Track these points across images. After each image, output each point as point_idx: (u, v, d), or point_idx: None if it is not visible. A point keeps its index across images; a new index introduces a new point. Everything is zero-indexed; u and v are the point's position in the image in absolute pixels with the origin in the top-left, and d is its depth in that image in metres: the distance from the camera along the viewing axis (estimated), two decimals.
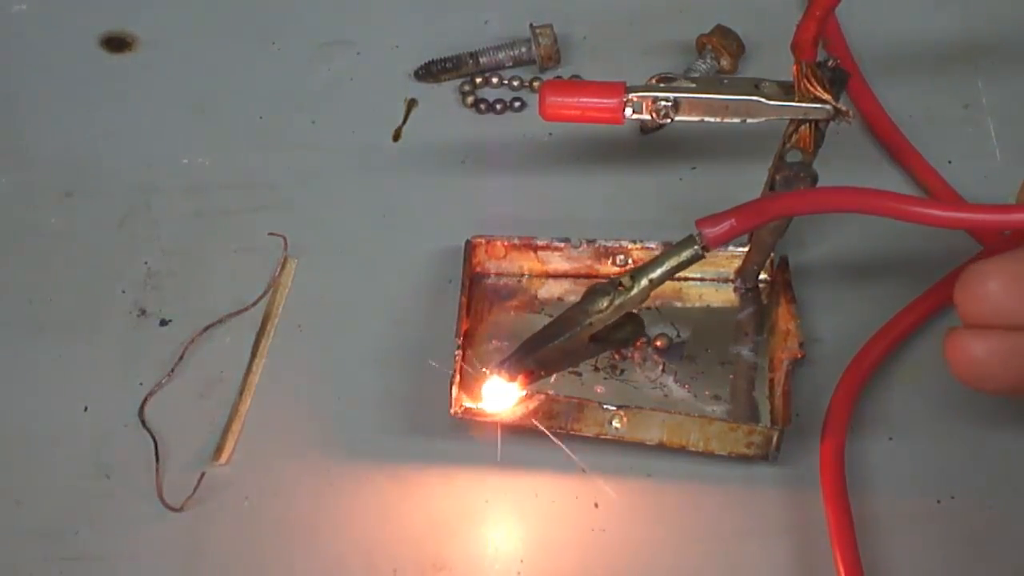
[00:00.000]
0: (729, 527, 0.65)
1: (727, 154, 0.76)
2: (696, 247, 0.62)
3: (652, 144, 0.77)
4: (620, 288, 0.63)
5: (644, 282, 0.63)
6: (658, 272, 0.63)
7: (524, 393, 0.64)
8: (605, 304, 0.63)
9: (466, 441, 0.67)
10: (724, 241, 0.62)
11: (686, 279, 0.71)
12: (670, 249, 0.63)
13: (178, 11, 0.84)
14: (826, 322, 0.70)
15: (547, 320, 0.65)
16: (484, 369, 0.65)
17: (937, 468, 0.66)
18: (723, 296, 0.72)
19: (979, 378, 0.58)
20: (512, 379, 0.64)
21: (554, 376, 0.67)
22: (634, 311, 0.65)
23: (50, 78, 0.81)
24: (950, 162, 0.75)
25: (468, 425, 0.66)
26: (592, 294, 0.64)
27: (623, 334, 0.67)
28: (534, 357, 0.64)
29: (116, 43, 0.82)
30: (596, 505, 0.65)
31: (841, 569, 0.62)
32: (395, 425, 0.67)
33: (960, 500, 0.65)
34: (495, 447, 0.66)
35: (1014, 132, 0.77)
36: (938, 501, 0.65)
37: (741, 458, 0.65)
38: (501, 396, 0.65)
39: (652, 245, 0.70)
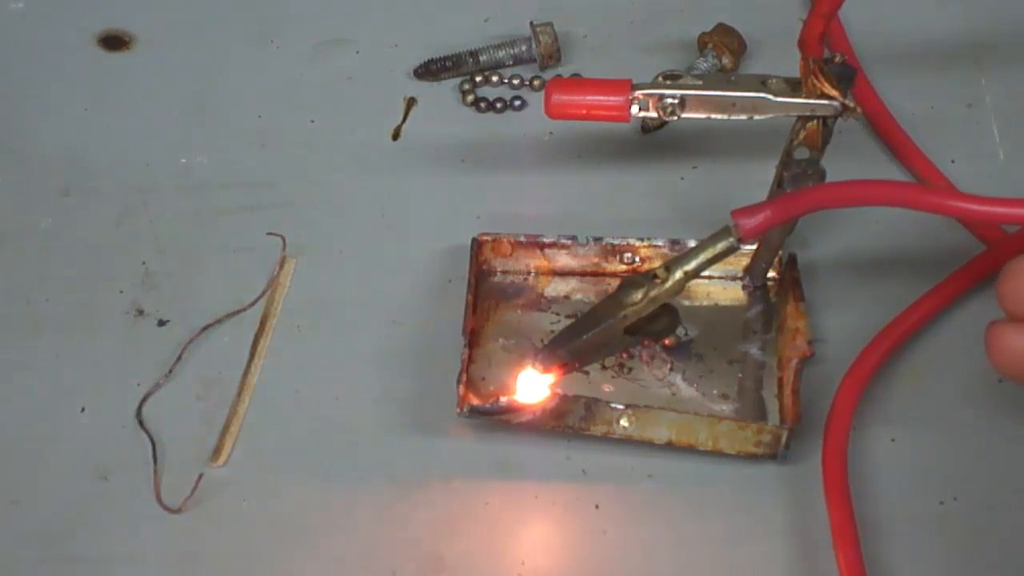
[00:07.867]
0: (729, 528, 0.65)
1: (726, 153, 0.76)
2: (731, 239, 0.62)
3: (652, 143, 0.77)
4: (655, 280, 0.63)
5: (679, 274, 0.63)
6: (693, 264, 0.63)
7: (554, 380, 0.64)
8: (639, 296, 0.63)
9: (466, 441, 0.67)
10: (760, 232, 0.61)
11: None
12: (704, 241, 0.63)
13: (176, 10, 0.83)
14: (829, 321, 0.70)
15: (553, 318, 0.65)
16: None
17: (940, 469, 0.66)
18: (731, 294, 0.71)
19: (1020, 371, 0.58)
20: (546, 371, 0.64)
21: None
22: (669, 303, 0.65)
23: (47, 77, 0.81)
24: (953, 161, 0.75)
25: (467, 425, 0.66)
26: (627, 286, 0.63)
27: (658, 326, 0.66)
28: (568, 349, 0.64)
29: (114, 42, 0.82)
30: (597, 507, 0.65)
31: (843, 569, 0.61)
32: (394, 425, 0.67)
33: (963, 501, 0.65)
34: (495, 447, 0.66)
35: (1017, 131, 0.77)
36: (941, 502, 0.65)
37: (750, 457, 0.65)
38: (534, 388, 0.64)
39: (659, 243, 0.70)
